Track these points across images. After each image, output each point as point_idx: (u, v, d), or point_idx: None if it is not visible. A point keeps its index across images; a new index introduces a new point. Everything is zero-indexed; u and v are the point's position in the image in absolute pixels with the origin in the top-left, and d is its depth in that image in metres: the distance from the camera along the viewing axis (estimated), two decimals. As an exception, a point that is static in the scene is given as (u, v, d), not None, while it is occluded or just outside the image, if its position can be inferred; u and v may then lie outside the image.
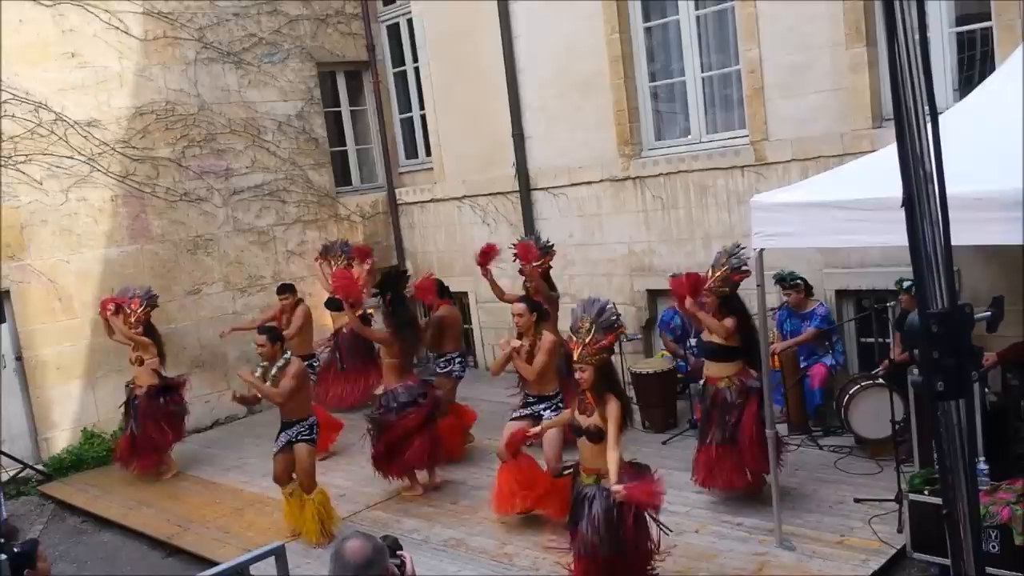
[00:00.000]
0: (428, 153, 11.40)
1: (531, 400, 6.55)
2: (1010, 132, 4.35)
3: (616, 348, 5.64)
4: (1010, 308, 4.68)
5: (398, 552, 3.37)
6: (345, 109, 11.84)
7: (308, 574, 5.93)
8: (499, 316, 9.96)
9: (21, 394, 9.03)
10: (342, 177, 11.72)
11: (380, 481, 7.27)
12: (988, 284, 6.47)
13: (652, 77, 9.01)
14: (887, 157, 4.27)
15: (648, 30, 8.95)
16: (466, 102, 10.58)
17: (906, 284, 6.50)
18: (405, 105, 11.78)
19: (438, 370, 8.17)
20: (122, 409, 8.61)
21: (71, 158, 9.21)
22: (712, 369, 6.33)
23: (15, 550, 3.83)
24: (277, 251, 10.81)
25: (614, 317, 5.02)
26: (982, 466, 4.95)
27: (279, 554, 3.70)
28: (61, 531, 7.84)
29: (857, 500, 6.09)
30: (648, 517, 4.89)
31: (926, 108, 1.80)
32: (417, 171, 11.72)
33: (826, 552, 5.48)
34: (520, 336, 6.54)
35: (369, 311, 8.81)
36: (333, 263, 9.76)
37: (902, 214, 1.85)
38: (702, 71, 8.59)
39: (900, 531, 5.46)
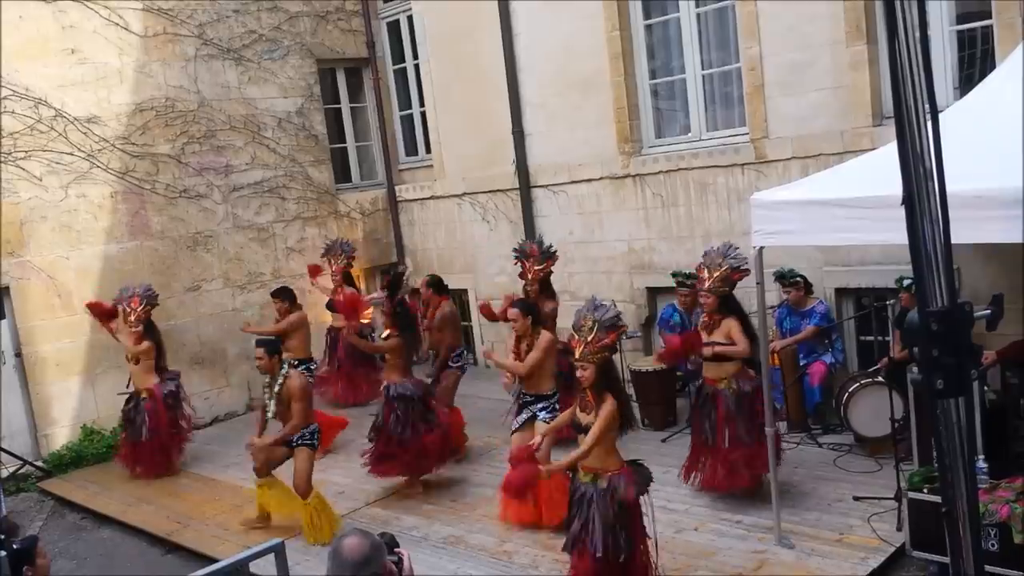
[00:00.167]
0: (428, 150, 11.39)
1: (528, 399, 6.51)
2: (1010, 130, 4.35)
3: (616, 346, 5.63)
4: (1010, 306, 4.66)
5: (396, 549, 3.38)
6: (345, 106, 11.83)
7: (307, 572, 5.92)
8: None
9: (21, 390, 9.02)
10: (342, 174, 11.72)
11: (379, 478, 7.26)
12: (988, 282, 6.48)
13: (652, 75, 9.00)
14: (887, 155, 4.28)
15: (648, 27, 8.94)
16: (466, 99, 10.57)
17: (906, 282, 6.51)
18: (405, 102, 11.77)
19: (451, 364, 8.15)
20: (123, 410, 8.50)
21: (71, 154, 9.20)
22: (711, 370, 6.31)
23: (15, 546, 3.82)
24: (277, 248, 10.80)
25: (616, 316, 5.03)
26: (981, 464, 4.95)
27: (278, 551, 3.69)
28: (61, 527, 7.83)
29: (856, 498, 6.09)
30: (644, 514, 4.90)
31: (926, 106, 1.79)
32: (417, 168, 11.71)
33: (825, 550, 5.48)
34: (519, 339, 6.53)
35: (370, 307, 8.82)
36: (333, 263, 9.76)
37: (902, 212, 1.84)
38: (702, 69, 8.59)
39: (899, 529, 5.46)
